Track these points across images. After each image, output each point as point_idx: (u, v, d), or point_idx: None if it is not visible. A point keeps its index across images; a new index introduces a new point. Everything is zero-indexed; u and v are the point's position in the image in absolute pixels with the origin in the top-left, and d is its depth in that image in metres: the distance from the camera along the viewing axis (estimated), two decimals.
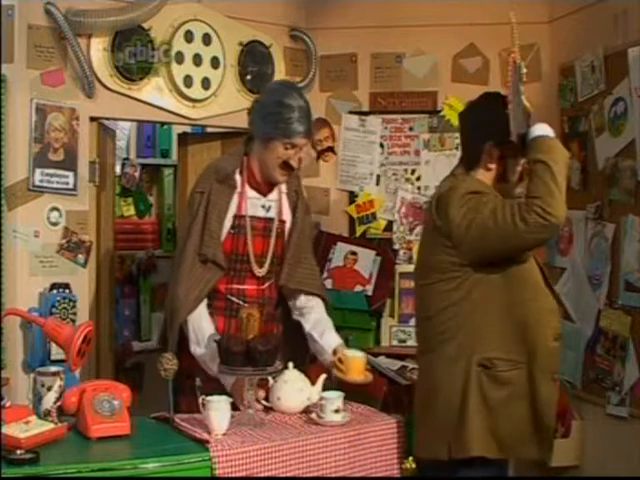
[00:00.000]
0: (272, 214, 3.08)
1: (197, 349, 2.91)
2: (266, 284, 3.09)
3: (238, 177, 3.04)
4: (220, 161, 3.24)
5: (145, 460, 2.29)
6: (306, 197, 4.31)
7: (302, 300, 3.13)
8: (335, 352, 2.94)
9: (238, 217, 3.02)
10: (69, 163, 3.71)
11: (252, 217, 3.03)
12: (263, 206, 3.07)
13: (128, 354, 4.94)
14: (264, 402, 2.82)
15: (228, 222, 3.02)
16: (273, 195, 3.10)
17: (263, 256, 3.05)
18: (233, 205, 3.02)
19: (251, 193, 3.06)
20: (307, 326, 3.09)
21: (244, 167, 3.05)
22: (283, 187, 3.13)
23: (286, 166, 2.98)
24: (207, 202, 2.99)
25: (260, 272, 3.05)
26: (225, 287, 3.03)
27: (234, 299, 3.04)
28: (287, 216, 3.13)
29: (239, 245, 3.02)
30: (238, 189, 3.03)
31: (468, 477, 2.60)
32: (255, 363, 2.60)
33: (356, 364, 2.85)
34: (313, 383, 2.84)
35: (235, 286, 3.04)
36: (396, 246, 4.38)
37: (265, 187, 3.08)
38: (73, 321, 3.53)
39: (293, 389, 2.80)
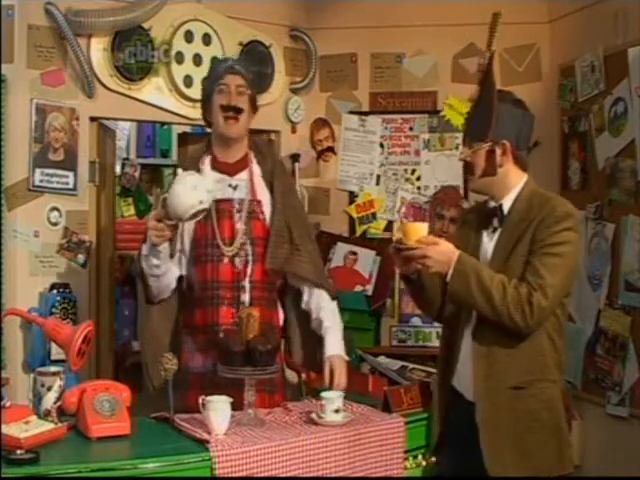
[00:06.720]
0: (242, 194, 3.04)
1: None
2: (241, 266, 3.00)
3: (205, 165, 3.05)
4: (186, 158, 3.26)
5: (145, 460, 2.28)
6: (306, 197, 4.38)
7: (306, 293, 3.07)
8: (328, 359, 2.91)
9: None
10: (69, 163, 3.71)
11: (217, 200, 2.97)
12: (230, 185, 3.04)
13: (128, 354, 4.94)
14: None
15: None
16: (242, 175, 3.07)
17: (233, 237, 2.98)
18: None
19: (215, 176, 3.03)
20: (313, 324, 3.06)
21: (207, 153, 3.07)
22: (256, 169, 3.09)
23: (227, 109, 2.97)
24: None
25: (229, 251, 2.97)
26: (200, 277, 2.98)
27: (207, 285, 2.97)
28: (263, 197, 3.07)
29: (207, 230, 2.98)
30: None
31: (461, 478, 2.59)
32: (255, 363, 2.60)
33: (412, 229, 2.72)
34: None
35: (209, 273, 2.97)
36: None
37: (231, 168, 3.06)
38: (73, 321, 3.52)
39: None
